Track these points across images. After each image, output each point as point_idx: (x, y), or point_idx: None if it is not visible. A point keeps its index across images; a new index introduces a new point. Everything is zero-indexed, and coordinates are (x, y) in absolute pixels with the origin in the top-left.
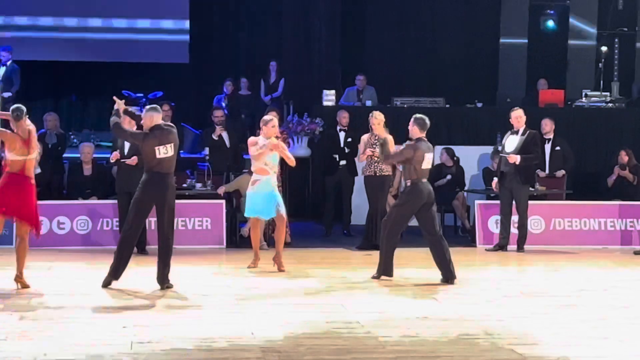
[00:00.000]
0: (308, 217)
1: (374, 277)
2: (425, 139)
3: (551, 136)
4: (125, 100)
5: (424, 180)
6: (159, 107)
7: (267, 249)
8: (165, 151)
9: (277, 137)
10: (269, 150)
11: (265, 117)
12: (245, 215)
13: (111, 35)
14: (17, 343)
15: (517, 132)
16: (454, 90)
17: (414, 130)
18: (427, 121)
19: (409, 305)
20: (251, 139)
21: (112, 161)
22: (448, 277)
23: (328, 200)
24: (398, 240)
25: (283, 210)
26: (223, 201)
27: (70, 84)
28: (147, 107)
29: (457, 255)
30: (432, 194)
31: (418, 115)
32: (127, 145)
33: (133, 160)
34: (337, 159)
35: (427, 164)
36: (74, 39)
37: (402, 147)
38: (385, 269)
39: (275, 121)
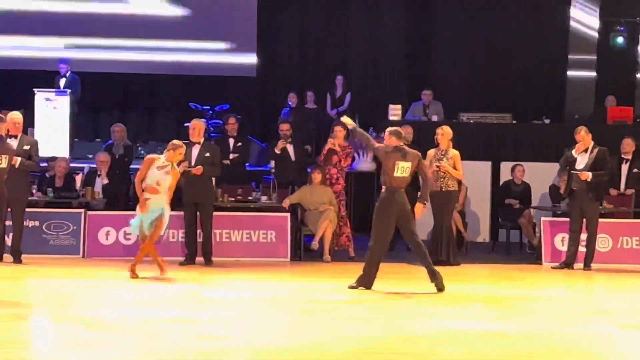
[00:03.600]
0: None
1: (351, 287)
2: (404, 148)
3: (630, 157)
4: None
5: (399, 189)
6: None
7: (329, 262)
8: None
9: (181, 162)
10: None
11: (175, 142)
12: (133, 232)
13: (179, 48)
14: (82, 353)
15: (586, 150)
16: (521, 106)
17: (391, 140)
18: (402, 132)
19: (473, 321)
20: (151, 156)
21: (180, 171)
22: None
23: None
24: (386, 250)
25: (158, 231)
26: (288, 214)
27: (138, 96)
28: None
29: (524, 273)
30: (406, 206)
31: (392, 128)
32: (194, 155)
33: (198, 170)
34: None
35: (401, 172)
36: (142, 52)
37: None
38: (367, 280)
39: (182, 150)
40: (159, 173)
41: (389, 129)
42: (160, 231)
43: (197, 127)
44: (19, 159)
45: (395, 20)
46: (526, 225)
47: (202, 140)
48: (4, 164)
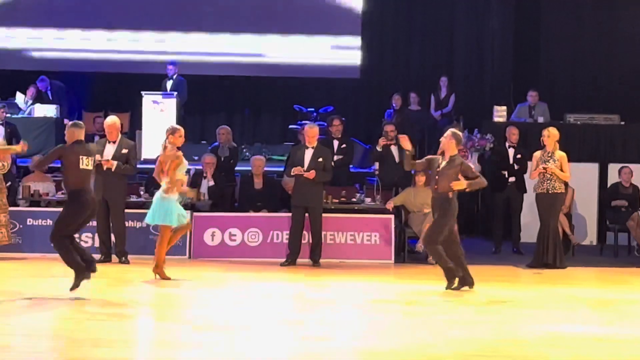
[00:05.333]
0: (477, 234)
1: (453, 289)
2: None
3: None
4: None
5: None
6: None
7: (434, 264)
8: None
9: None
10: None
11: (174, 126)
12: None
13: (284, 50)
14: (188, 353)
15: None
16: (629, 107)
17: (452, 146)
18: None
19: (580, 324)
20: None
21: (293, 174)
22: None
23: (497, 217)
24: (461, 250)
25: (168, 222)
26: (392, 216)
27: (244, 98)
28: (70, 123)
29: (633, 276)
30: None
31: (455, 131)
32: (307, 159)
33: (311, 174)
34: (506, 176)
35: None
36: (247, 55)
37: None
38: (465, 279)
39: (182, 132)
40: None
41: (454, 131)
42: None
43: (311, 132)
44: (115, 162)
45: (501, 21)
46: (635, 228)
47: (315, 144)
48: (90, 166)
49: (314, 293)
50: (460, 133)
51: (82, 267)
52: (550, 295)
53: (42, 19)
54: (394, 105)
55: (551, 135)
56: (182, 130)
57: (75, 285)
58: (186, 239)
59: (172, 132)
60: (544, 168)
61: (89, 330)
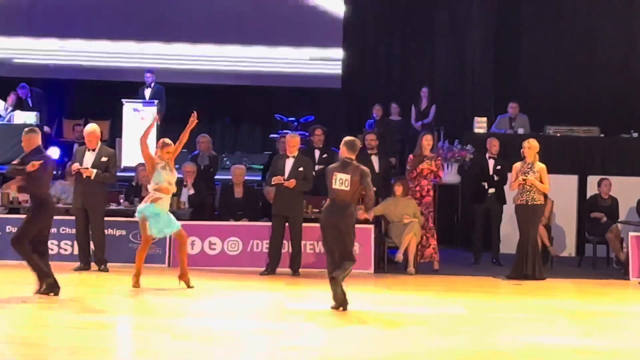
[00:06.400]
0: (457, 245)
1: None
2: (348, 161)
3: None
4: None
5: (334, 200)
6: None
7: (414, 274)
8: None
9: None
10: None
11: (166, 142)
12: (158, 235)
13: (265, 60)
14: None
15: None
16: (609, 119)
17: (342, 150)
18: (357, 143)
19: (558, 335)
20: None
21: (273, 183)
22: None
23: (476, 228)
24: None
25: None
26: (372, 226)
27: (224, 107)
28: (26, 129)
29: (611, 288)
30: (336, 217)
31: (348, 138)
32: (288, 168)
33: (291, 183)
34: (486, 187)
35: (337, 184)
36: (229, 64)
37: None
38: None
39: (171, 148)
40: (166, 172)
41: (345, 138)
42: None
43: (293, 141)
44: (95, 170)
45: (482, 33)
46: (613, 240)
47: (296, 153)
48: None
49: (293, 303)
50: (353, 139)
51: (45, 272)
52: (529, 306)
53: (23, 26)
54: (374, 115)
55: (531, 146)
56: (171, 147)
57: (49, 291)
58: (166, 248)
59: (160, 146)
60: (524, 179)
61: (67, 338)
